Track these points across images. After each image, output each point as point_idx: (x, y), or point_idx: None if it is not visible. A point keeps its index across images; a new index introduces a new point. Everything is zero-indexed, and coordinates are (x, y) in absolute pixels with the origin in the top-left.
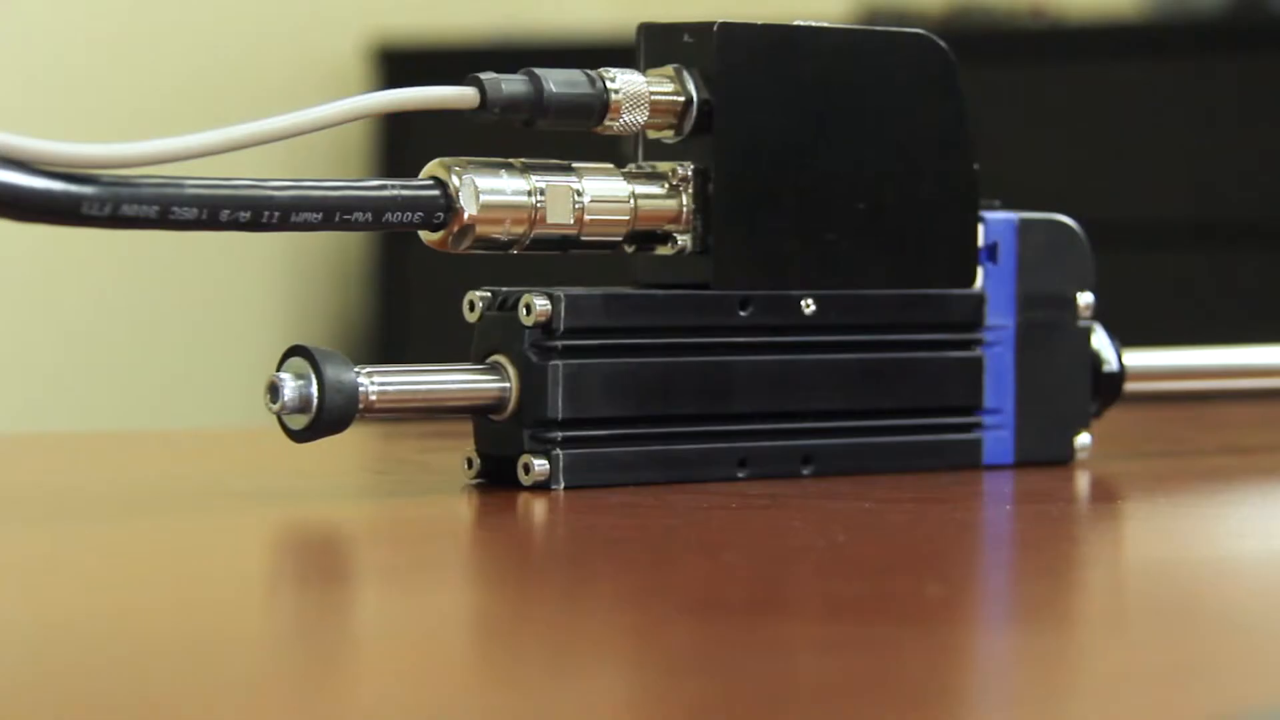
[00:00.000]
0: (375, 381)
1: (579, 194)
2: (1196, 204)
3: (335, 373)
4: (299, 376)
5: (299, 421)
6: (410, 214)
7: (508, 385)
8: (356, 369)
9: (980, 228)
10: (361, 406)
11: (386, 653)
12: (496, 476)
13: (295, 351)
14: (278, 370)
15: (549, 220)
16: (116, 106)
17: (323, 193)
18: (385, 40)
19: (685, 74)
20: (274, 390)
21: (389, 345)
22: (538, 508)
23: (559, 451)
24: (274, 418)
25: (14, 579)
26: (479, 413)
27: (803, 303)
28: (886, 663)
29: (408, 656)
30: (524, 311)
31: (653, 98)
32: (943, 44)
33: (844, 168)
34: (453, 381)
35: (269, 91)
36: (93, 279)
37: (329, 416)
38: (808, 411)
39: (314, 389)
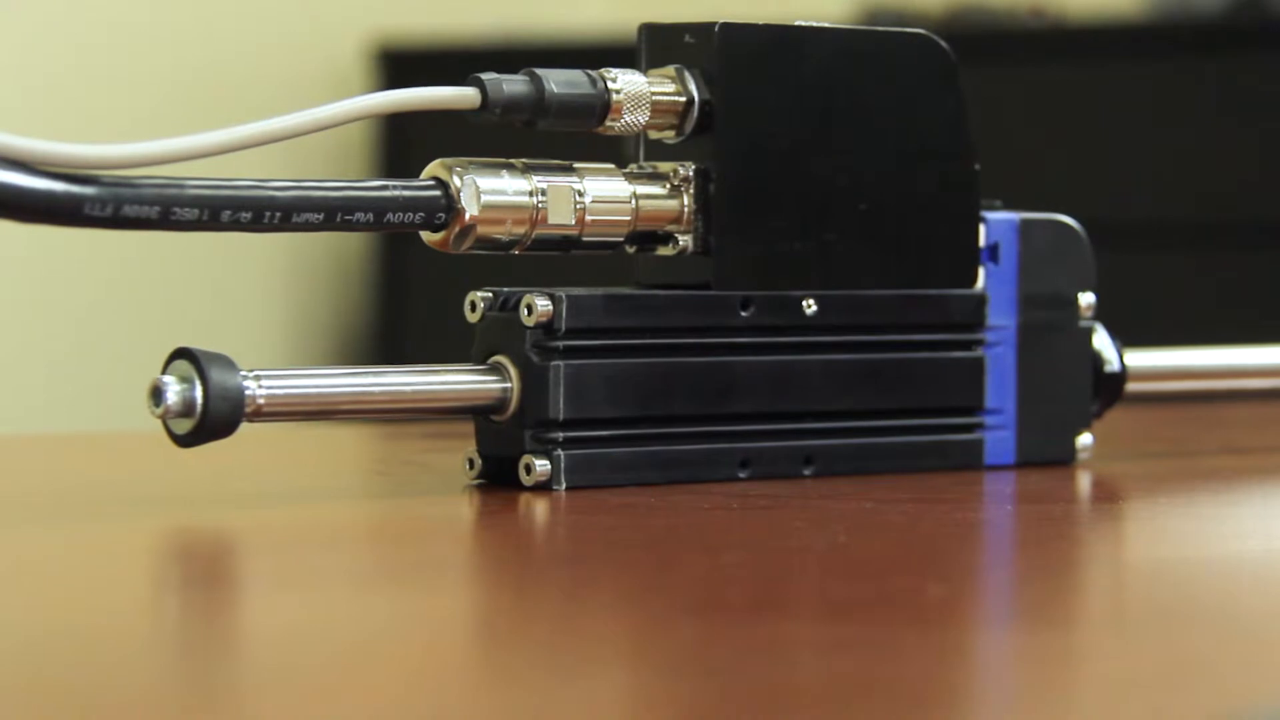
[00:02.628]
0: (264, 385)
1: (580, 194)
2: (1197, 204)
3: (220, 376)
4: (183, 380)
5: (183, 426)
6: (411, 214)
7: (403, 387)
8: (244, 372)
9: (981, 228)
10: (249, 410)
11: (388, 653)
12: (498, 477)
13: (180, 354)
14: (162, 373)
15: (550, 221)
16: (118, 107)
17: (324, 193)
18: (386, 41)
19: (686, 74)
20: (157, 394)
21: (390, 346)
22: (539, 508)
23: (560, 452)
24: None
25: (15, 582)
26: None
27: (804, 303)
28: (887, 663)
29: (409, 656)
30: (525, 312)
31: (654, 98)
32: (943, 44)
33: (845, 168)
34: (349, 386)
35: (270, 92)
36: (93, 280)
37: (213, 421)
38: (809, 412)
39: (198, 393)
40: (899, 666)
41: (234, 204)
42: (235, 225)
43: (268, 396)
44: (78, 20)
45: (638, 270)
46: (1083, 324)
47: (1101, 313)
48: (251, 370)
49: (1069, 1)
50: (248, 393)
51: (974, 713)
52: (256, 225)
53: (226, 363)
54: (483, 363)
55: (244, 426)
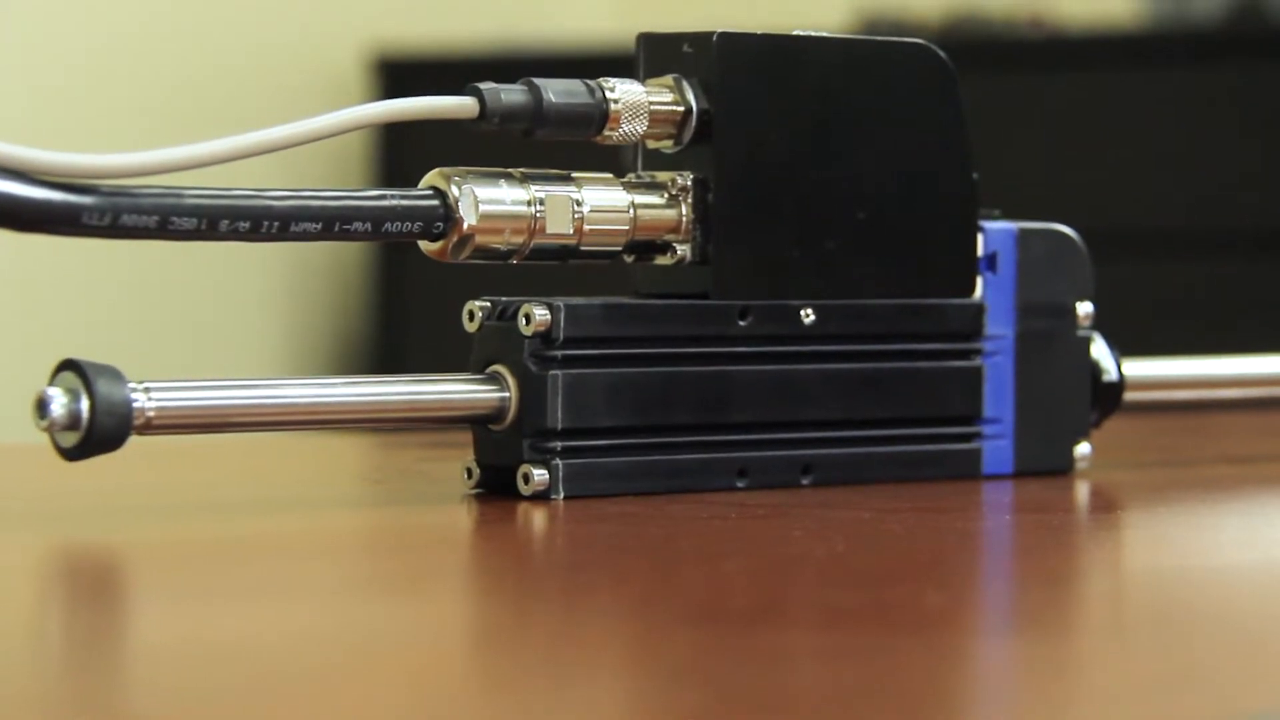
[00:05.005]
0: (153, 398)
1: (578, 204)
2: (1195, 213)
3: (107, 389)
4: (69, 392)
5: (69, 439)
6: (410, 224)
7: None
8: (133, 384)
9: (980, 237)
10: (138, 423)
11: (385, 662)
12: (496, 486)
13: (67, 365)
14: (49, 385)
15: (548, 230)
16: (116, 117)
17: (322, 202)
18: (385, 50)
19: (685, 84)
20: (41, 406)
21: (388, 355)
22: (537, 517)
23: (558, 461)
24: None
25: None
26: (269, 428)
27: (802, 312)
28: (886, 672)
29: (406, 666)
30: (523, 321)
31: (652, 107)
32: (942, 53)
33: (843, 177)
34: (243, 397)
35: (269, 101)
36: (92, 289)
37: (99, 435)
38: (807, 421)
39: (83, 406)
40: (898, 675)
41: (232, 213)
42: (233, 235)
43: (158, 409)
44: (76, 30)
45: (636, 280)
46: (1081, 333)
47: (1099, 322)
48: (141, 382)
49: (1067, 11)
50: (136, 405)
51: None
52: (254, 235)
53: (114, 375)
54: (481, 372)
55: (244, 434)
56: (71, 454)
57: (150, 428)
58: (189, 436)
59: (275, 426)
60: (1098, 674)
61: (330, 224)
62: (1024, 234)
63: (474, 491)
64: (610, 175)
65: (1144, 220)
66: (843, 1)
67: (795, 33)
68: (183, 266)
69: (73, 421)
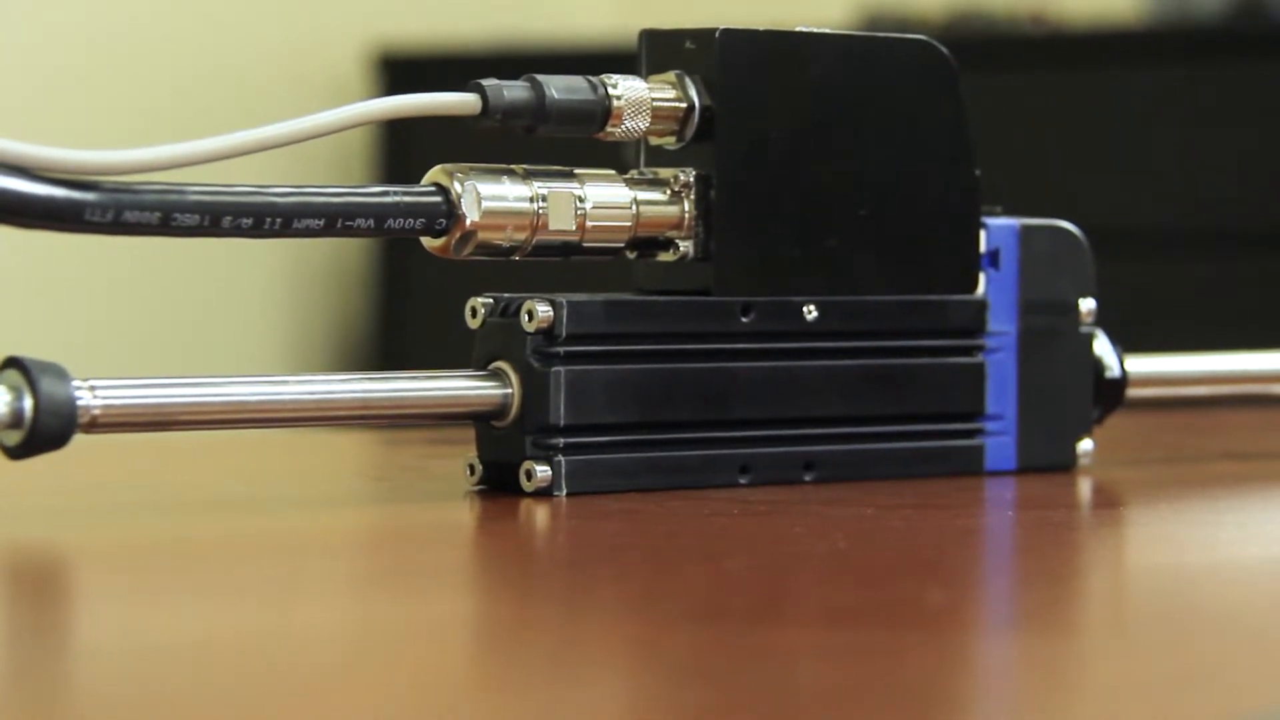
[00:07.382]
0: (99, 395)
1: (581, 200)
2: (1197, 210)
3: (50, 387)
4: (12, 390)
5: (12, 438)
6: (412, 220)
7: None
8: (78, 382)
9: (982, 234)
10: (84, 422)
11: (387, 659)
12: (498, 483)
13: (10, 363)
14: None
15: (551, 226)
16: (119, 113)
17: (325, 199)
18: (387, 47)
19: (687, 80)
20: None
21: (390, 352)
22: (540, 514)
23: (561, 458)
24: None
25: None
26: (216, 427)
27: (805, 309)
28: (888, 670)
29: (408, 663)
30: (526, 318)
31: (655, 104)
32: (944, 50)
33: (845, 174)
34: (189, 395)
35: (271, 98)
36: (93, 286)
37: (43, 433)
38: (809, 418)
39: (26, 404)
40: (901, 673)
41: (235, 209)
42: (236, 231)
43: (103, 408)
44: (79, 27)
45: (638, 276)
46: (1083, 330)
47: (1102, 318)
48: (87, 380)
49: (1069, 7)
50: (81, 403)
51: (976, 719)
52: (257, 231)
53: (58, 373)
54: (483, 369)
55: (244, 433)
56: (15, 453)
57: (96, 426)
58: (187, 434)
59: (222, 425)
60: (1100, 672)
61: (333, 220)
62: (1026, 230)
63: (476, 488)
64: (612, 172)
65: (1146, 216)
66: None
67: (798, 29)
68: (184, 264)
69: (16, 420)
